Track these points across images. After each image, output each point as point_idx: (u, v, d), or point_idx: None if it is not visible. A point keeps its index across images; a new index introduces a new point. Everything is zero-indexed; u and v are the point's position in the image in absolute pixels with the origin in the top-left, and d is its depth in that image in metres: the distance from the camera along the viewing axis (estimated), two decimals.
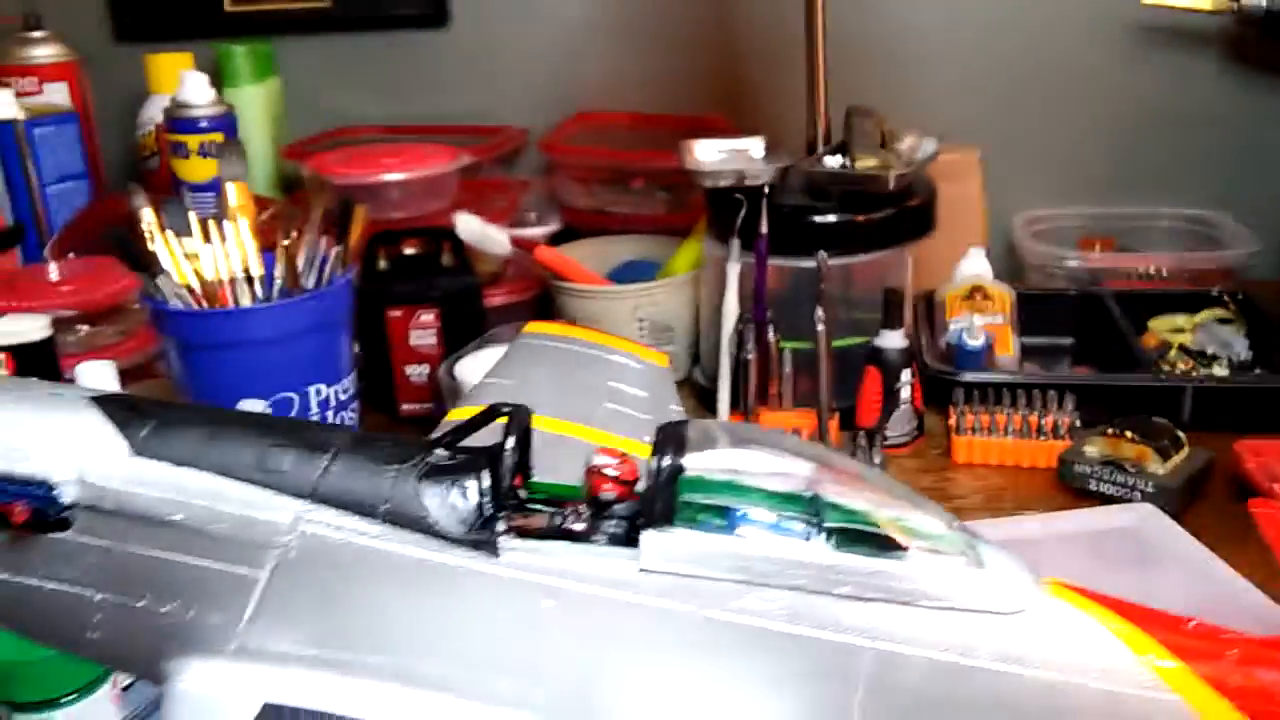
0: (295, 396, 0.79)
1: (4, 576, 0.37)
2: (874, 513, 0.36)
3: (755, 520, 0.36)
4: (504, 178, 1.28)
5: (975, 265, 1.05)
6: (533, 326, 0.70)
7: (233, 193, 0.83)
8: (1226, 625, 0.37)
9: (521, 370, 0.62)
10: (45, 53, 1.26)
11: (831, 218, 0.93)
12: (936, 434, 0.91)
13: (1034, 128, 1.26)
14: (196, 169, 1.12)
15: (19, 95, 1.20)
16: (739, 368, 0.92)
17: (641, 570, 0.35)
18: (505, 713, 0.34)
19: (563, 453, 0.44)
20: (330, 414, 0.82)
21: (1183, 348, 0.98)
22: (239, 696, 0.34)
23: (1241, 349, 0.98)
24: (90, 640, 0.37)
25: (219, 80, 1.19)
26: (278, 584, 0.35)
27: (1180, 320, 1.01)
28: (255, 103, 1.27)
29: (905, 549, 0.35)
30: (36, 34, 1.26)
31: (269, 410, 0.78)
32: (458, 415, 0.57)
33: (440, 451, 0.37)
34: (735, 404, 0.92)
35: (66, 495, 0.36)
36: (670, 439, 0.36)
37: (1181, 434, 0.81)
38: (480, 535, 0.35)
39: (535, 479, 0.40)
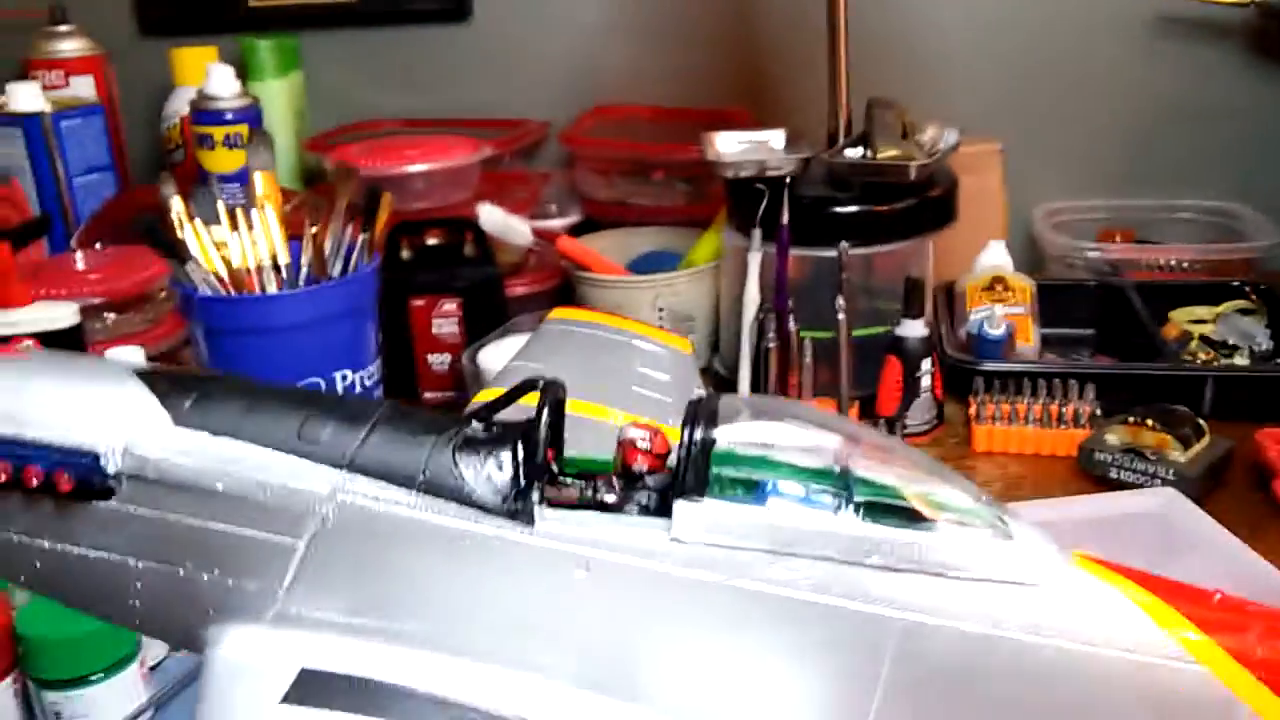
0: (321, 382, 0.80)
1: (48, 544, 0.37)
2: (903, 486, 0.37)
3: (785, 493, 0.36)
4: (525, 170, 1.28)
5: (996, 256, 1.05)
6: (558, 312, 0.70)
7: (260, 182, 0.84)
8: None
9: (547, 354, 0.63)
10: (71, 46, 1.28)
11: (853, 208, 0.94)
12: (956, 423, 0.91)
13: (1054, 120, 1.25)
14: (222, 160, 1.13)
15: (46, 88, 1.21)
16: (759, 357, 0.92)
17: (673, 540, 0.35)
18: (537, 679, 0.35)
19: (589, 434, 0.44)
20: None
21: (1204, 338, 0.97)
22: (277, 663, 0.35)
23: (1263, 339, 0.97)
24: (131, 608, 0.38)
25: (243, 74, 1.20)
26: (316, 553, 0.36)
27: (1201, 311, 1.01)
28: (278, 96, 1.28)
29: (933, 521, 0.36)
30: (63, 28, 1.28)
31: None
32: (485, 397, 0.57)
33: (475, 424, 0.38)
34: (755, 393, 0.92)
35: (110, 465, 0.37)
36: (702, 412, 0.37)
37: (1202, 422, 0.81)
38: (515, 505, 0.36)
39: (567, 454, 0.41)
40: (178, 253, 0.79)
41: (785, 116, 1.06)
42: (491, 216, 1.02)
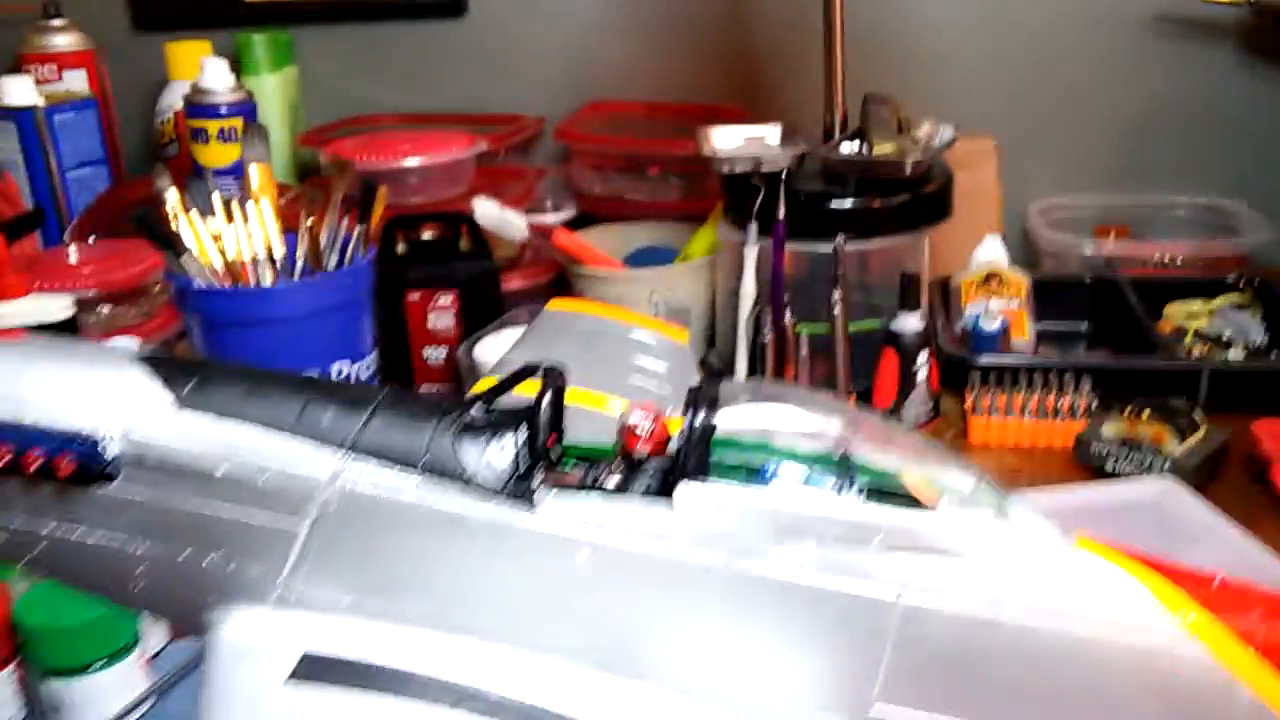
0: (318, 374, 0.79)
1: (49, 528, 0.37)
2: (903, 469, 0.37)
3: (786, 477, 0.36)
4: (520, 165, 1.28)
5: (991, 251, 1.05)
6: (555, 303, 0.70)
7: (255, 174, 0.84)
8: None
9: (545, 345, 0.63)
10: (64, 41, 1.27)
11: (848, 203, 0.94)
12: (952, 416, 0.91)
13: (1049, 117, 1.26)
14: (216, 154, 1.13)
15: (39, 82, 1.21)
16: (756, 351, 0.92)
17: (675, 523, 0.35)
18: (540, 659, 0.35)
19: (587, 424, 0.44)
20: None
21: (1199, 333, 0.98)
22: (280, 646, 0.35)
23: (1258, 334, 0.98)
24: (133, 591, 0.38)
25: (237, 69, 1.20)
26: (318, 536, 0.36)
27: (1196, 306, 1.02)
28: (273, 91, 1.28)
29: (934, 504, 0.36)
30: (56, 22, 1.27)
31: None
32: (484, 387, 0.57)
33: (476, 409, 0.38)
34: None
35: (111, 448, 0.37)
36: (703, 397, 0.37)
37: (1198, 414, 0.81)
38: (517, 489, 0.36)
39: (567, 442, 0.41)
40: (173, 245, 0.79)
41: (780, 113, 1.06)
42: (487, 210, 1.01)
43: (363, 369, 0.83)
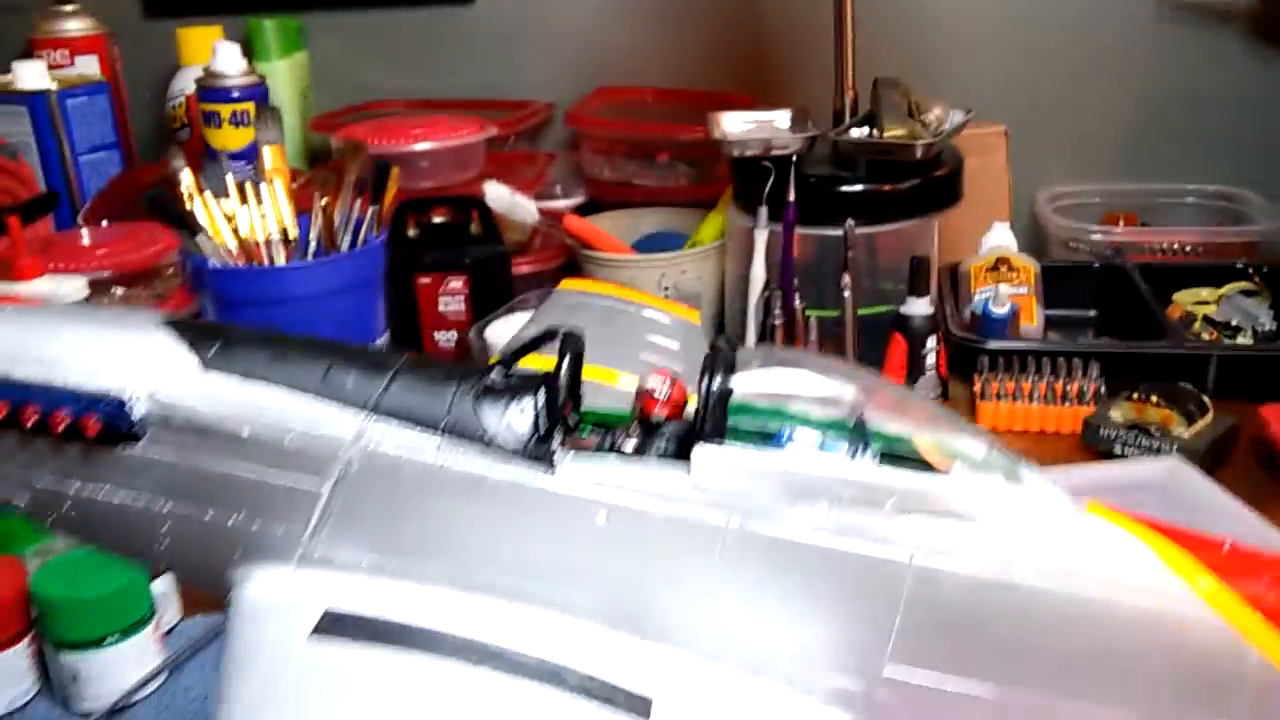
0: None
1: (76, 488, 0.38)
2: (917, 435, 0.37)
3: (801, 441, 0.37)
4: (530, 151, 1.29)
5: (1000, 237, 1.06)
6: (567, 283, 0.71)
7: (269, 156, 0.85)
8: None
9: (558, 322, 0.63)
10: (76, 26, 1.28)
11: (858, 187, 0.94)
12: (961, 400, 0.92)
13: (1058, 104, 1.26)
14: (229, 138, 1.13)
15: (51, 67, 1.21)
16: (765, 335, 0.92)
17: (692, 485, 0.36)
18: (556, 617, 0.35)
19: (599, 398, 0.45)
20: None
21: (1207, 319, 0.98)
22: (302, 604, 0.35)
23: (1266, 320, 0.98)
24: (158, 550, 0.38)
25: (248, 54, 1.21)
26: (340, 496, 0.37)
27: (1205, 293, 1.02)
28: (284, 76, 1.29)
29: (947, 468, 0.36)
30: (67, 8, 1.28)
31: None
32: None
33: (496, 373, 0.38)
34: None
35: (137, 409, 0.37)
36: (720, 361, 0.37)
37: (1206, 399, 0.82)
38: (536, 451, 0.36)
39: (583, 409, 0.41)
40: (188, 224, 0.79)
41: (789, 98, 1.06)
42: (498, 194, 1.02)
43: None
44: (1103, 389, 0.86)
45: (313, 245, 0.82)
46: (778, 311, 0.92)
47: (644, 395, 0.38)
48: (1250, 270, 1.03)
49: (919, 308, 0.90)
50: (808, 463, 0.36)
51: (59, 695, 0.63)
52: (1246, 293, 1.01)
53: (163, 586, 0.67)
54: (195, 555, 0.38)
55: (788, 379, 0.38)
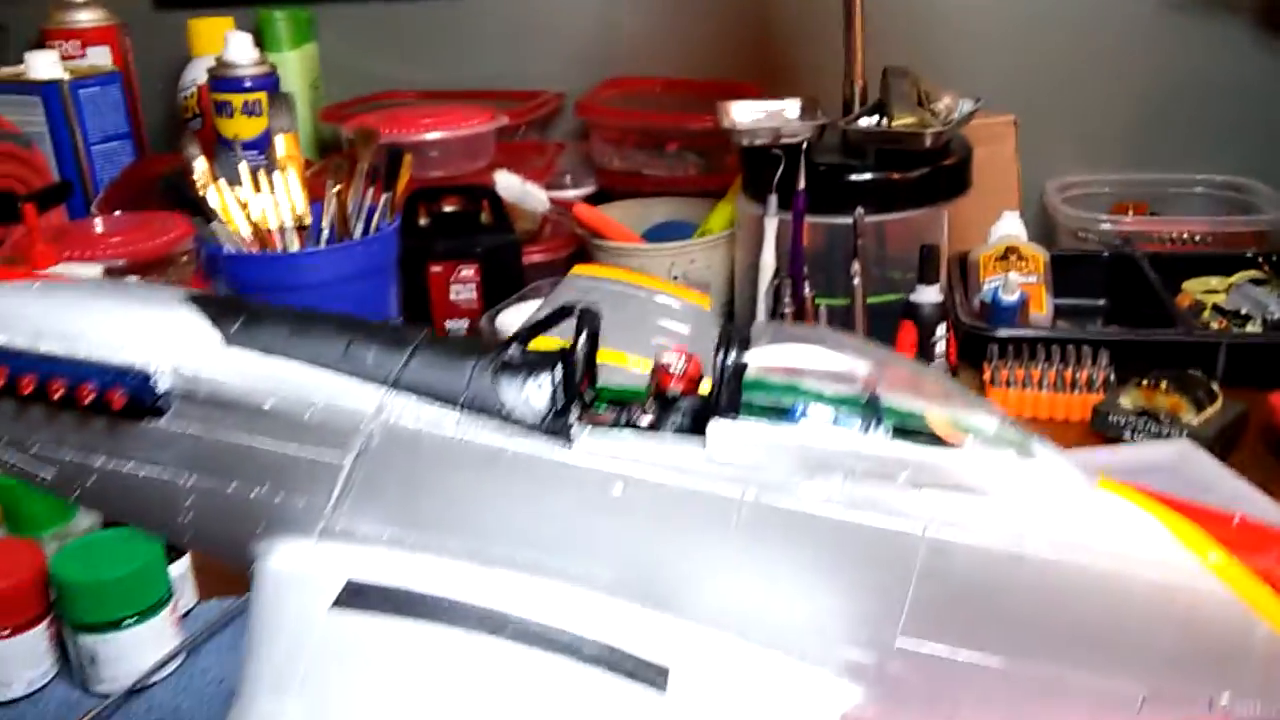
0: None
1: (101, 461, 0.38)
2: (929, 411, 0.38)
3: (815, 416, 0.37)
4: (540, 141, 1.29)
5: (1009, 226, 1.06)
6: (579, 269, 0.71)
7: (282, 144, 0.85)
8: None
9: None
10: (87, 17, 1.29)
11: (868, 175, 0.94)
12: (970, 388, 0.92)
13: (1067, 95, 1.26)
14: (241, 127, 1.14)
15: (63, 58, 1.22)
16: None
17: (707, 458, 0.36)
18: (573, 589, 0.36)
19: (614, 380, 0.45)
20: None
21: (1216, 308, 0.98)
22: (324, 575, 0.36)
23: (1276, 309, 0.98)
24: (181, 523, 0.39)
25: (258, 45, 1.21)
26: (361, 469, 0.37)
27: (1214, 282, 1.02)
28: (294, 67, 1.29)
29: (960, 443, 0.37)
30: None
31: None
32: None
33: (514, 349, 0.39)
34: None
35: (162, 383, 0.38)
36: (735, 336, 0.38)
37: (1215, 386, 0.82)
38: (554, 424, 0.37)
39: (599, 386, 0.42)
40: (203, 211, 0.80)
41: (798, 89, 1.06)
42: (509, 183, 1.02)
43: None
44: (1112, 377, 0.86)
45: (326, 232, 0.83)
46: (787, 300, 0.92)
47: (659, 370, 0.39)
48: (1260, 259, 1.03)
49: (929, 295, 0.90)
50: (822, 437, 0.36)
51: (77, 677, 0.63)
52: (1256, 281, 1.01)
53: (179, 570, 0.67)
54: (218, 528, 0.39)
55: (801, 354, 0.38)
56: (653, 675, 0.35)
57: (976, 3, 1.26)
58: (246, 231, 0.81)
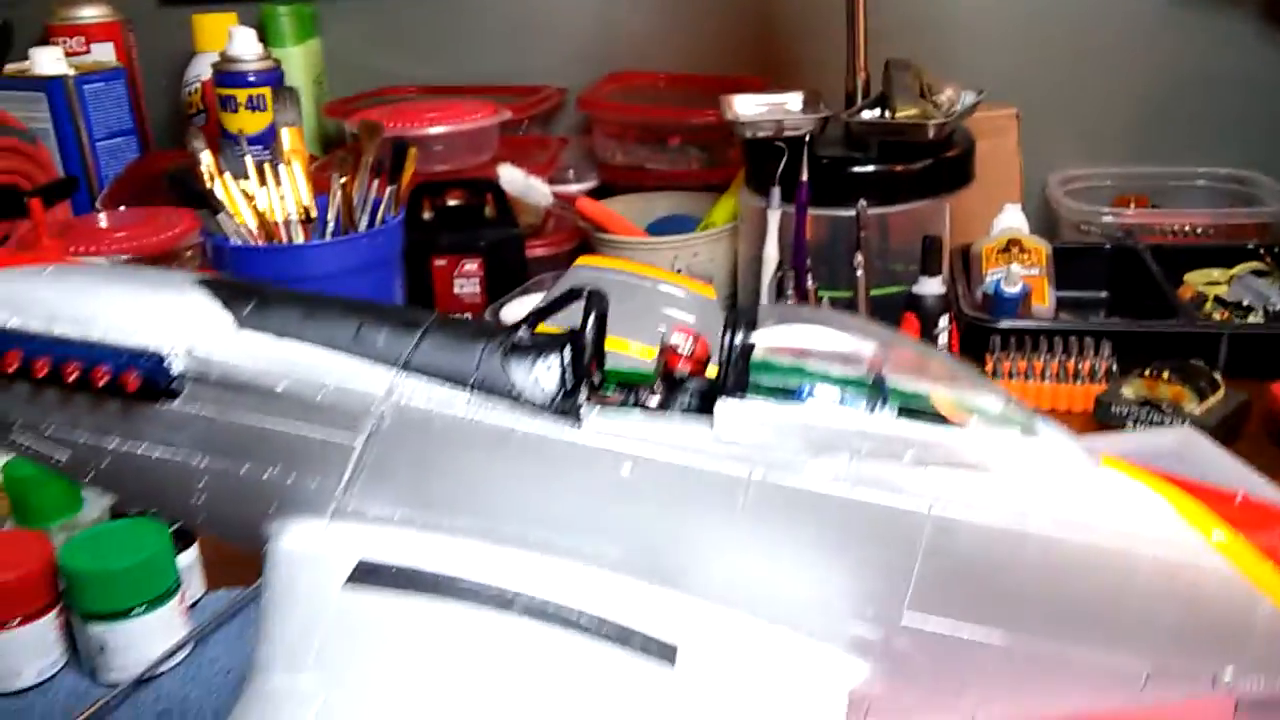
0: None
1: (115, 443, 0.39)
2: (935, 392, 0.38)
3: (821, 397, 0.37)
4: (542, 135, 1.30)
5: (1011, 219, 1.06)
6: (583, 259, 0.72)
7: (287, 137, 0.85)
8: None
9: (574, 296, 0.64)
10: (92, 13, 1.29)
11: (870, 168, 0.95)
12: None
13: (1070, 88, 1.26)
14: (245, 122, 1.14)
15: (67, 55, 1.22)
16: None
17: (715, 438, 0.37)
18: (582, 568, 0.36)
19: (621, 366, 0.45)
20: None
21: (1218, 299, 0.98)
22: (336, 554, 0.36)
23: (1278, 300, 0.98)
24: (194, 505, 0.39)
25: (262, 41, 1.21)
26: (373, 450, 0.37)
27: (1216, 274, 1.02)
28: (297, 63, 1.30)
29: (964, 422, 0.37)
30: None
31: None
32: None
33: (523, 330, 0.39)
34: None
35: (175, 366, 0.38)
36: (741, 318, 0.38)
37: (1218, 375, 0.82)
38: (563, 405, 0.37)
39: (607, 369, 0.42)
40: (209, 203, 0.80)
41: (801, 83, 1.07)
42: (512, 177, 1.03)
43: None
44: (1114, 368, 0.87)
45: (331, 225, 0.83)
46: (790, 292, 0.93)
47: (667, 351, 0.39)
48: (1261, 251, 1.03)
49: (931, 287, 0.91)
50: (828, 416, 0.37)
51: (86, 666, 0.64)
52: (1258, 273, 1.02)
53: (187, 560, 0.68)
54: (231, 509, 0.39)
55: (808, 334, 0.39)
56: (662, 652, 0.35)
57: None
58: (253, 224, 0.82)
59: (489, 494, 0.37)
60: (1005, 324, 0.93)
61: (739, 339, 0.37)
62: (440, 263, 0.99)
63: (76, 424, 0.39)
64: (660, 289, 0.68)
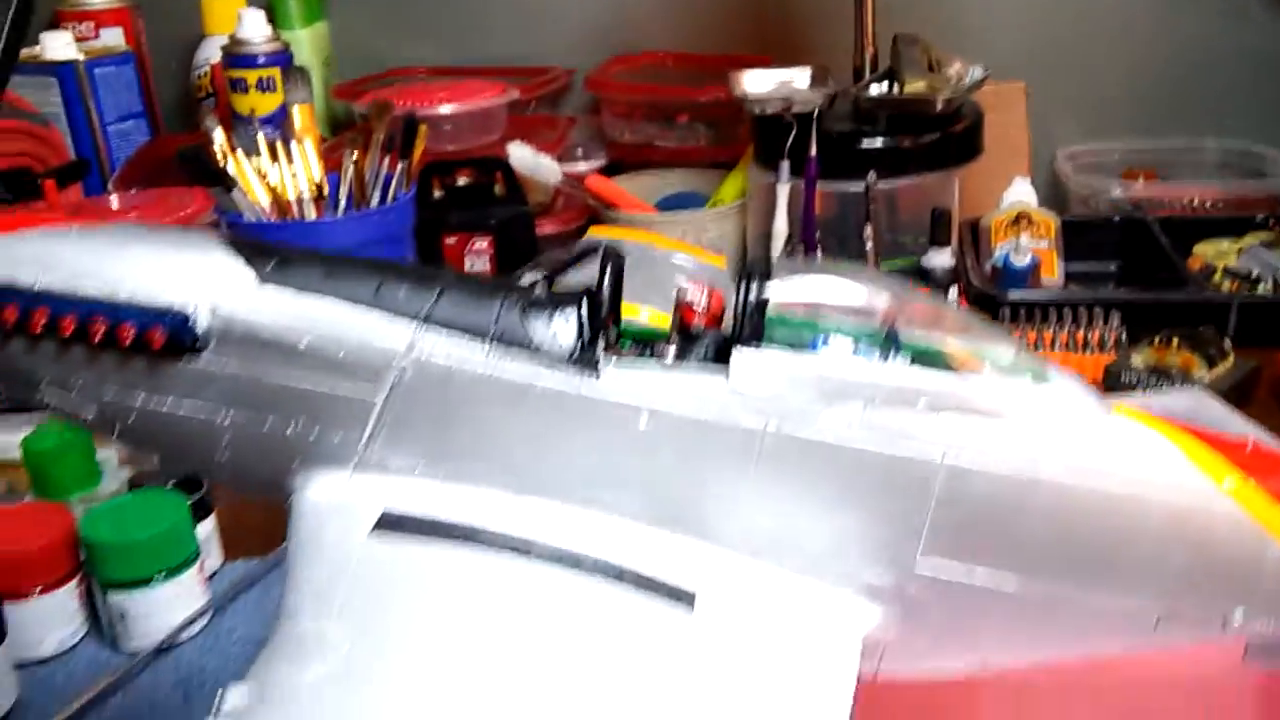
0: None
1: (141, 400, 0.39)
2: (947, 343, 0.39)
3: (835, 347, 0.38)
4: (551, 115, 1.30)
5: (1020, 192, 1.06)
6: (595, 230, 0.72)
7: (298, 116, 0.86)
8: None
9: (589, 265, 0.65)
10: None
11: (879, 142, 0.95)
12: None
13: (1077, 62, 1.26)
14: (256, 104, 1.15)
15: (77, 40, 1.23)
16: None
17: (730, 389, 0.37)
18: (602, 516, 0.37)
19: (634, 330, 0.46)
20: None
21: (1227, 270, 0.98)
22: (360, 505, 0.37)
23: None
24: (219, 460, 0.40)
25: (271, 23, 1.22)
26: (394, 405, 0.38)
27: (1224, 245, 1.02)
28: (306, 45, 1.30)
29: (977, 371, 0.38)
30: None
31: None
32: None
33: (540, 286, 0.40)
34: None
35: (200, 322, 0.38)
36: (755, 271, 0.39)
37: (1227, 343, 0.82)
38: (581, 358, 0.38)
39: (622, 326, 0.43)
40: (222, 181, 0.81)
41: (809, 60, 1.07)
42: (522, 155, 1.03)
43: None
44: (1124, 337, 0.87)
45: (343, 201, 0.84)
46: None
47: (683, 306, 0.40)
48: (1270, 221, 1.03)
49: (940, 259, 0.91)
50: (842, 366, 0.37)
51: (107, 635, 0.65)
52: (1267, 244, 1.02)
53: (205, 531, 0.69)
54: (255, 463, 0.40)
55: (822, 286, 0.39)
56: (682, 598, 0.36)
57: None
58: (265, 201, 0.82)
59: (509, 446, 0.38)
60: (1014, 295, 0.93)
61: (754, 291, 0.38)
62: (451, 241, 0.99)
63: (103, 380, 0.39)
64: (673, 259, 0.68)
